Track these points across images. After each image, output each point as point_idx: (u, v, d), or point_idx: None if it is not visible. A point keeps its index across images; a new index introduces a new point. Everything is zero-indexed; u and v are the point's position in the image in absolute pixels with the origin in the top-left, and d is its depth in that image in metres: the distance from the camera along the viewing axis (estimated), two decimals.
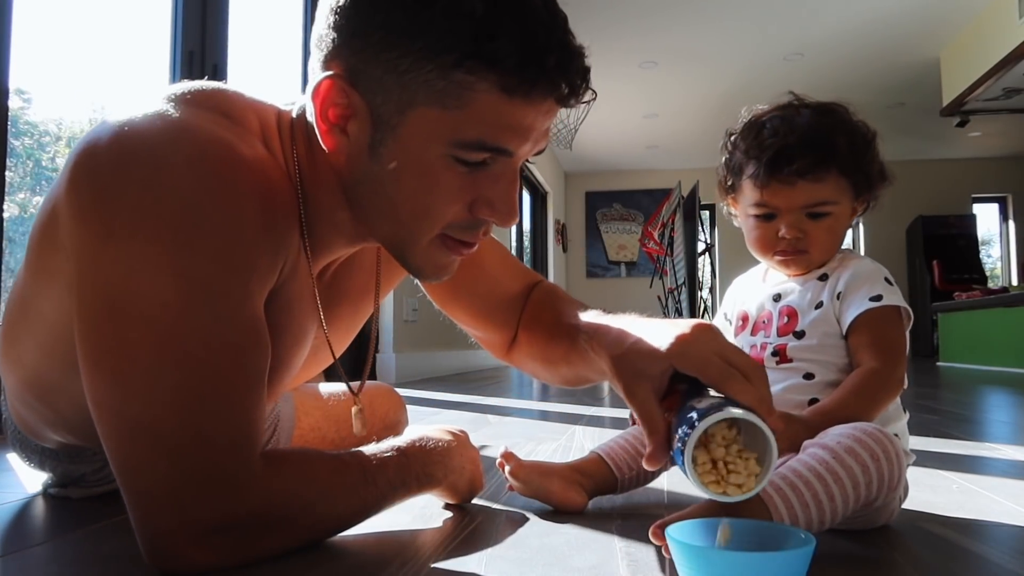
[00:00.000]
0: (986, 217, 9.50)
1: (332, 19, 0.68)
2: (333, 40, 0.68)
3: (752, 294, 1.05)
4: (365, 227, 0.76)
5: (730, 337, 1.07)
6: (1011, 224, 9.25)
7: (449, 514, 0.92)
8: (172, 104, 0.70)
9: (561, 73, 0.66)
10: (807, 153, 0.94)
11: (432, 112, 0.66)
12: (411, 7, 0.64)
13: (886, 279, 0.94)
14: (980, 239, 8.91)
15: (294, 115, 0.78)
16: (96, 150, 0.66)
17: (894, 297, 0.92)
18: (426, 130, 0.66)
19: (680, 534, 0.62)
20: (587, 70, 0.69)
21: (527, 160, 0.74)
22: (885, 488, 0.77)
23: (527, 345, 1.00)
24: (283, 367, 0.82)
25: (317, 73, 0.70)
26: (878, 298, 0.92)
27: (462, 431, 0.93)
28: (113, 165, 0.64)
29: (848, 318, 0.93)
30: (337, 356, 0.92)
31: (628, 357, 0.72)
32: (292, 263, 0.75)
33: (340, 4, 0.68)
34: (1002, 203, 9.38)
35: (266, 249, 0.69)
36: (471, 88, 0.64)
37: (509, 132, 0.67)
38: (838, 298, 0.95)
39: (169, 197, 0.63)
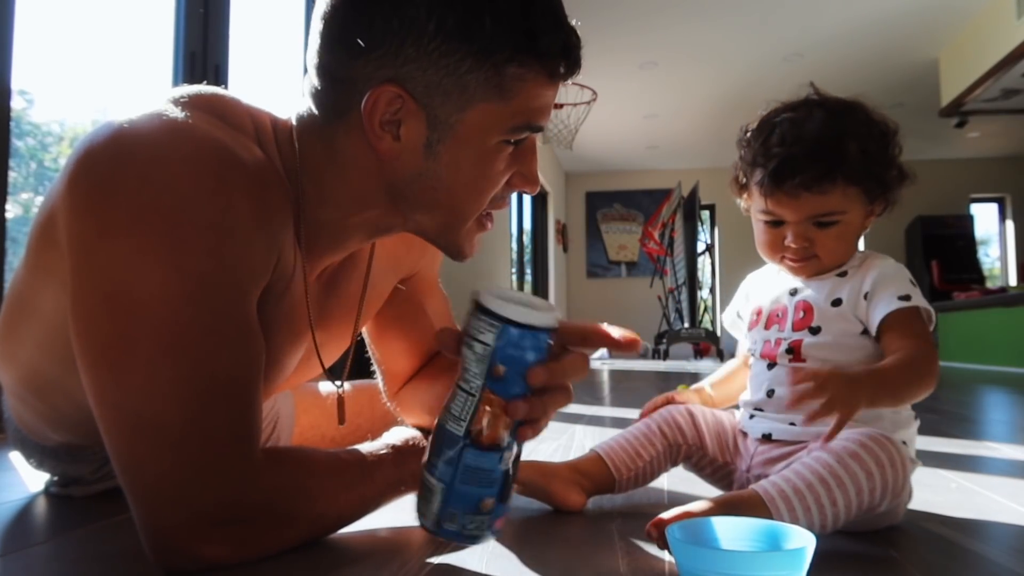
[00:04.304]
0: (984, 217, 9.52)
1: (371, 31, 0.68)
2: (376, 51, 0.69)
3: (766, 288, 1.03)
4: (403, 219, 0.79)
5: (741, 334, 1.06)
6: (1009, 224, 9.26)
7: None
8: (170, 106, 0.71)
9: (577, 56, 0.75)
10: (812, 164, 0.91)
11: (491, 106, 0.72)
12: (462, 16, 0.68)
13: (910, 280, 0.93)
14: (978, 239, 8.92)
15: (294, 122, 0.78)
16: (94, 149, 0.67)
17: (919, 299, 0.91)
18: (486, 122, 0.72)
19: (680, 533, 0.62)
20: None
21: None
22: (889, 495, 0.77)
23: (427, 380, 1.03)
24: (277, 366, 0.83)
25: (356, 83, 0.70)
26: (907, 298, 0.90)
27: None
28: (110, 162, 0.65)
29: (878, 316, 0.90)
30: (325, 361, 0.92)
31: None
32: (286, 262, 0.76)
33: (375, 15, 0.68)
34: (1000, 203, 9.39)
35: (259, 246, 0.70)
36: (521, 79, 0.72)
37: (544, 111, 0.76)
38: (865, 298, 0.92)
39: (165, 194, 0.64)
